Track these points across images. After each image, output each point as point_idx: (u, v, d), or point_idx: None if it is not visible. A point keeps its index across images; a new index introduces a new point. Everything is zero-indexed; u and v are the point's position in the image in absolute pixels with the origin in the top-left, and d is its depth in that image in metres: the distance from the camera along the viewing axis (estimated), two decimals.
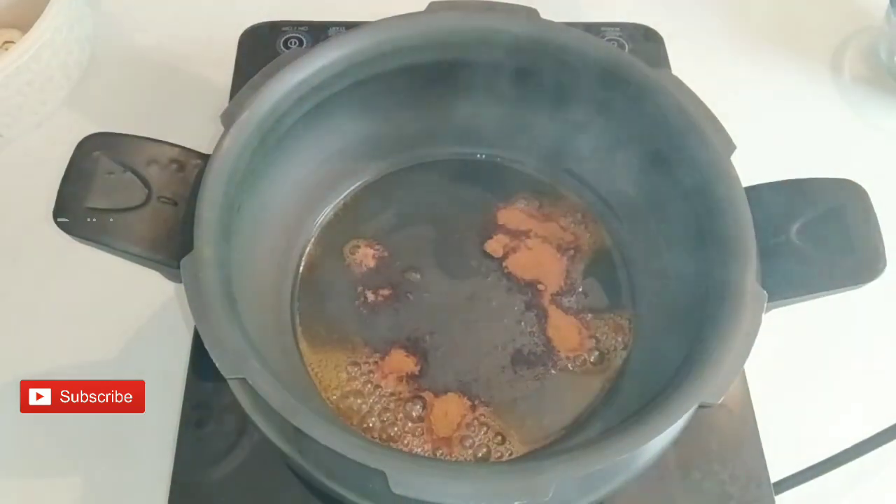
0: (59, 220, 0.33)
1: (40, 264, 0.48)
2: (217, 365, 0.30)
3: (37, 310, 0.47)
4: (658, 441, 0.31)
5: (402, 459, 0.30)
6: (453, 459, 0.38)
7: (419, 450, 0.39)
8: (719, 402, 0.30)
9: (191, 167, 0.36)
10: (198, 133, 0.52)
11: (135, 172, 0.35)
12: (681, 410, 0.30)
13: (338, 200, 0.46)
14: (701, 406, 0.31)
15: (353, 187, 0.47)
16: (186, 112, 0.54)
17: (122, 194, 0.34)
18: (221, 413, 0.40)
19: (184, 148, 0.36)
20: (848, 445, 0.41)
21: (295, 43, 0.55)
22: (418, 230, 0.46)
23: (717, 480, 0.39)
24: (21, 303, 0.47)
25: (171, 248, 0.34)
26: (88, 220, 0.33)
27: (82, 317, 0.46)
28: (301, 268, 0.44)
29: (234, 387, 0.32)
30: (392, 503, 0.31)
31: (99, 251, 0.34)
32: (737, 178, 0.35)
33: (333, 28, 0.55)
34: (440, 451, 0.39)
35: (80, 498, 0.41)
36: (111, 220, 0.34)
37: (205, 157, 0.36)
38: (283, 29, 0.55)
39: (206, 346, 0.30)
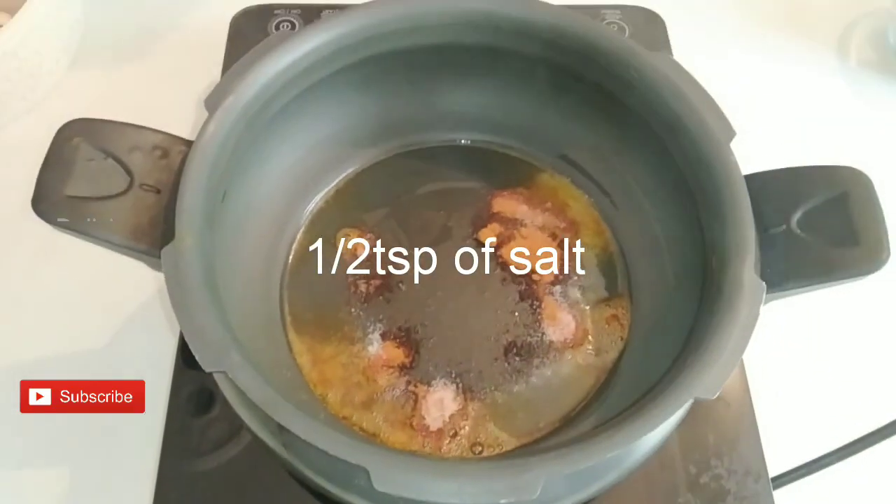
0: (37, 207, 0.32)
1: (31, 254, 0.47)
2: (197, 358, 0.29)
3: (28, 301, 0.46)
4: (650, 438, 0.31)
5: (386, 456, 0.29)
6: (442, 453, 0.38)
7: (410, 443, 0.38)
8: (714, 397, 0.29)
9: (175, 154, 0.35)
10: (190, 119, 0.52)
11: (116, 159, 0.34)
12: (674, 406, 0.29)
13: (328, 188, 0.45)
14: (696, 401, 0.30)
15: (343, 174, 0.46)
16: (179, 97, 0.53)
17: (102, 182, 0.33)
18: (209, 405, 0.40)
19: (167, 134, 0.35)
20: (848, 441, 0.40)
21: (287, 26, 0.53)
22: (410, 218, 0.45)
23: (715, 475, 0.39)
24: (11, 294, 0.46)
25: (153, 238, 0.33)
26: (67, 208, 0.32)
27: (73, 308, 0.45)
28: (290, 257, 0.43)
29: (218, 380, 0.31)
30: (378, 499, 0.31)
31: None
32: (736, 165, 0.34)
33: (326, 11, 0.54)
34: (430, 444, 0.38)
35: (80, 497, 0.40)
36: (91, 208, 0.33)
37: (189, 144, 0.35)
38: (276, 11, 0.54)
39: (186, 339, 0.29)
